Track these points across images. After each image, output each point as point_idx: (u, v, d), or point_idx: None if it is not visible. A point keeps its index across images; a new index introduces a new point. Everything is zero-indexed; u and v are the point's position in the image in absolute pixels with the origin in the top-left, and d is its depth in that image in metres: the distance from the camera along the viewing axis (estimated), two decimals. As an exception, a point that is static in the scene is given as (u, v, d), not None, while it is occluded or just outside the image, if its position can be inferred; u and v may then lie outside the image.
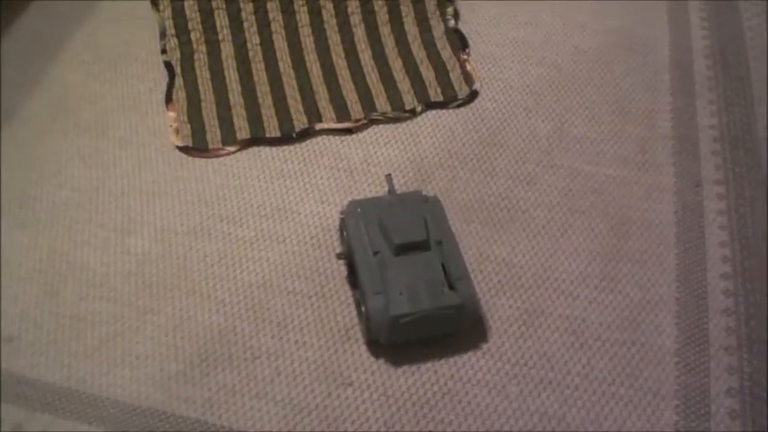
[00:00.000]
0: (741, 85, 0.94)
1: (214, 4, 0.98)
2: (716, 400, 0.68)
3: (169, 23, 0.98)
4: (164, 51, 0.98)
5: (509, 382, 0.70)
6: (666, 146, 0.88)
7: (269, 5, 0.99)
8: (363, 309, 0.70)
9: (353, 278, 0.74)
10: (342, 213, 0.76)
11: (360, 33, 1.00)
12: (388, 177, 0.80)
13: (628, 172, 0.86)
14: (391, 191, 0.79)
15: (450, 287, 0.69)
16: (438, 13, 1.02)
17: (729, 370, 0.69)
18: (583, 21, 1.03)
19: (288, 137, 0.90)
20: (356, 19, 1.01)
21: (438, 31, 1.01)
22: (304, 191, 0.85)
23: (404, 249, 0.71)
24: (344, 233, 0.76)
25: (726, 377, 0.69)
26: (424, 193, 0.79)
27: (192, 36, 0.98)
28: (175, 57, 0.97)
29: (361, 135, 0.91)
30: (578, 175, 0.86)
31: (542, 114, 0.92)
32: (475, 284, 0.75)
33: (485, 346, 0.72)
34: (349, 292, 0.76)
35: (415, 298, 0.68)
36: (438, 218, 0.75)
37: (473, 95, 0.94)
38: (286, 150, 0.89)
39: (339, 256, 0.77)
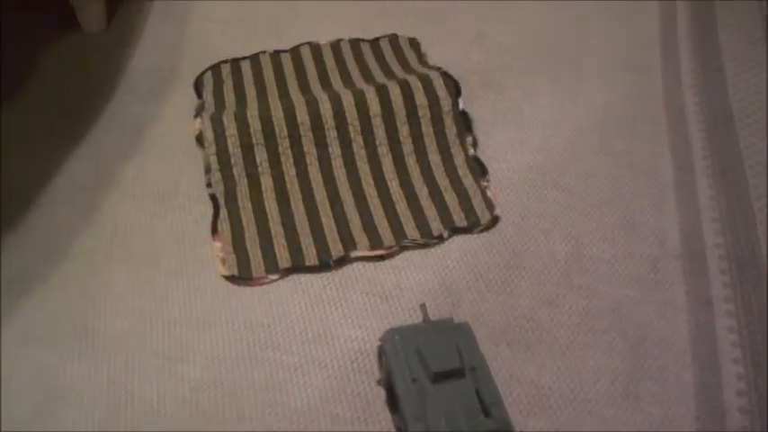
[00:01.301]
0: (742, 202, 1.02)
1: (254, 140, 1.07)
2: None
3: (213, 159, 1.07)
4: (209, 185, 1.06)
5: (543, 501, 0.75)
6: (677, 265, 0.95)
7: (303, 140, 1.09)
8: None
9: (393, 403, 0.80)
10: (380, 341, 0.83)
11: (387, 163, 1.09)
12: (423, 306, 0.86)
13: (642, 291, 0.93)
14: (425, 319, 0.85)
15: (486, 413, 0.74)
16: (458, 142, 1.11)
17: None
18: (591, 146, 1.12)
19: (326, 265, 0.97)
20: (383, 150, 1.10)
21: (459, 159, 1.09)
22: (342, 316, 0.92)
23: (441, 377, 0.77)
24: (383, 359, 0.82)
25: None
26: (455, 320, 0.85)
27: (235, 170, 1.06)
28: (219, 190, 1.06)
29: (393, 261, 0.98)
30: (596, 295, 0.92)
31: (559, 237, 0.99)
32: (506, 405, 0.81)
33: (518, 467, 0.77)
34: (389, 417, 0.81)
35: (453, 424, 0.73)
36: (470, 344, 0.81)
37: (495, 220, 1.02)
38: (324, 277, 0.96)
39: (379, 383, 0.83)
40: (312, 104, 1.09)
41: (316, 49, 1.30)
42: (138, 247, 1.01)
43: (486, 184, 1.06)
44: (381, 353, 0.82)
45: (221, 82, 1.25)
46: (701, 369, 0.84)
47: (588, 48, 1.29)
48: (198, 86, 1.25)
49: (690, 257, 0.96)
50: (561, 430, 0.80)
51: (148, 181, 1.10)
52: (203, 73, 1.27)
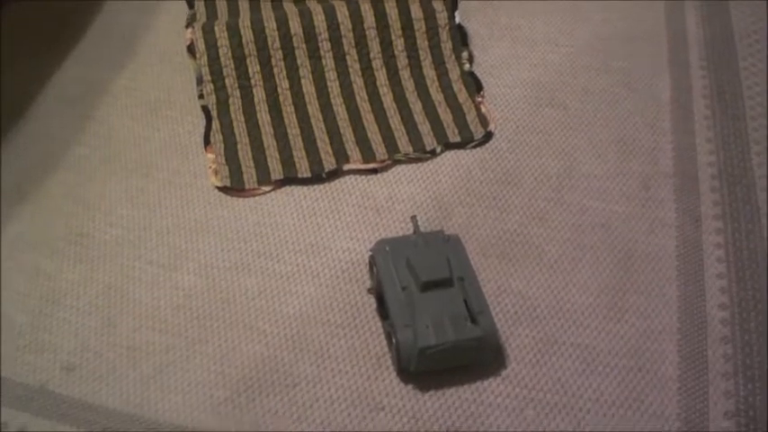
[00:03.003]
0: (737, 123, 1.02)
1: (246, 51, 1.06)
2: (714, 422, 0.75)
3: (205, 70, 1.05)
4: (201, 96, 1.06)
5: (526, 406, 0.77)
6: (668, 183, 0.96)
7: (297, 52, 1.07)
8: (394, 340, 0.77)
9: (383, 310, 0.82)
10: (371, 251, 0.84)
11: (382, 77, 1.08)
12: (414, 218, 0.87)
13: (632, 208, 0.93)
14: (416, 231, 0.86)
15: (473, 321, 0.76)
16: (453, 57, 1.09)
17: (726, 394, 0.77)
18: (588, 62, 1.11)
19: (318, 177, 0.97)
20: (378, 63, 1.08)
21: (454, 74, 1.08)
22: (335, 228, 0.93)
23: (429, 286, 0.78)
24: (374, 269, 0.83)
25: (723, 401, 0.76)
26: (447, 233, 0.86)
27: (227, 82, 1.05)
28: (212, 102, 1.05)
29: (385, 175, 0.98)
30: (586, 211, 0.93)
31: (552, 154, 1.00)
32: (494, 316, 0.83)
33: (504, 373, 0.79)
34: (379, 324, 0.83)
35: (440, 331, 0.75)
36: (459, 256, 0.82)
37: (488, 136, 1.01)
38: (316, 189, 0.97)
39: (370, 291, 0.84)
40: (305, 15, 1.07)
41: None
42: (132, 156, 1.01)
43: (480, 99, 1.06)
44: (372, 262, 0.84)
45: (214, -8, 1.22)
46: (685, 283, 0.86)
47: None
48: (190, -4, 1.22)
49: (682, 176, 0.96)
50: (545, 338, 0.82)
51: (141, 91, 1.09)
52: (195, -18, 1.24)
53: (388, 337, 0.80)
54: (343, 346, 0.82)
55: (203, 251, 0.91)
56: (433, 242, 0.83)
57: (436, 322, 0.76)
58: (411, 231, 0.88)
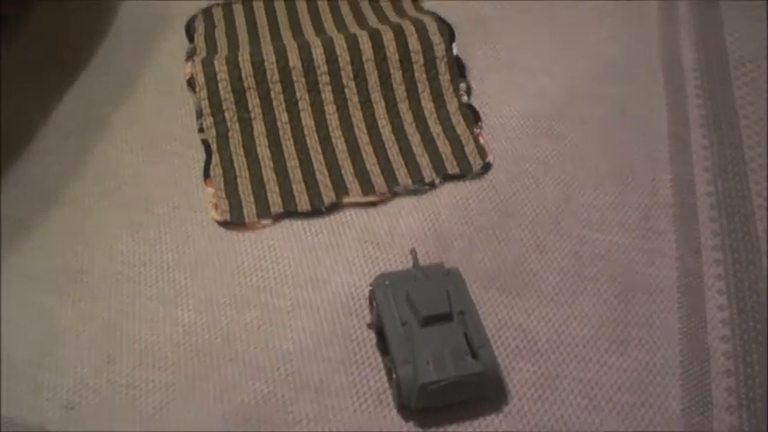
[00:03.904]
0: (734, 152, 1.02)
1: (246, 85, 1.06)
2: (718, 457, 0.74)
3: (205, 104, 1.06)
4: (201, 130, 1.06)
5: (528, 442, 0.77)
6: (667, 213, 0.96)
7: (296, 85, 1.08)
8: (394, 376, 0.77)
9: (384, 345, 0.81)
10: (371, 285, 0.84)
11: (380, 110, 1.08)
12: (413, 252, 0.87)
13: (632, 239, 0.93)
14: (416, 264, 0.86)
15: (474, 356, 0.76)
16: (451, 89, 1.10)
17: (731, 429, 0.76)
18: (584, 92, 1.11)
19: (317, 211, 0.97)
20: (376, 96, 1.09)
21: (452, 106, 1.09)
22: (334, 262, 0.93)
23: (429, 320, 0.78)
24: (374, 304, 0.83)
25: (727, 436, 0.76)
26: (446, 265, 0.86)
27: (227, 115, 1.06)
28: (211, 135, 1.05)
29: (385, 207, 0.98)
30: (586, 242, 0.93)
31: (551, 184, 1.00)
32: (495, 350, 0.82)
33: (506, 409, 0.79)
34: (380, 359, 0.83)
35: (441, 367, 0.75)
36: (459, 289, 0.82)
37: (487, 167, 1.02)
38: (316, 223, 0.97)
39: (370, 326, 0.84)
40: (304, 49, 1.08)
41: (309, -8, 1.28)
42: (131, 191, 1.01)
43: (478, 130, 1.06)
44: (372, 297, 0.83)
45: (213, 26, 1.23)
46: (686, 315, 0.86)
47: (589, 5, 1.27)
48: (189, 30, 1.23)
49: (681, 206, 0.96)
50: (547, 373, 0.81)
51: (140, 127, 1.09)
52: (195, 16, 1.25)
53: (389, 372, 0.80)
54: (344, 382, 0.82)
55: (203, 286, 0.91)
56: (432, 276, 0.83)
57: (437, 357, 0.75)
58: (411, 265, 0.88)
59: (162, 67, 1.18)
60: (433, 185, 1.00)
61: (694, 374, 0.81)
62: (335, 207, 0.98)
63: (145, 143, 1.07)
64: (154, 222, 0.98)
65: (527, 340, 0.85)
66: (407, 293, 0.80)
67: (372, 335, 0.85)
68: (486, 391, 0.78)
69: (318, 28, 1.20)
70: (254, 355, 0.84)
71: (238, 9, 1.26)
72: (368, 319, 0.86)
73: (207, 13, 1.26)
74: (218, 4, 1.27)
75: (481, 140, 1.05)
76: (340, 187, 1.00)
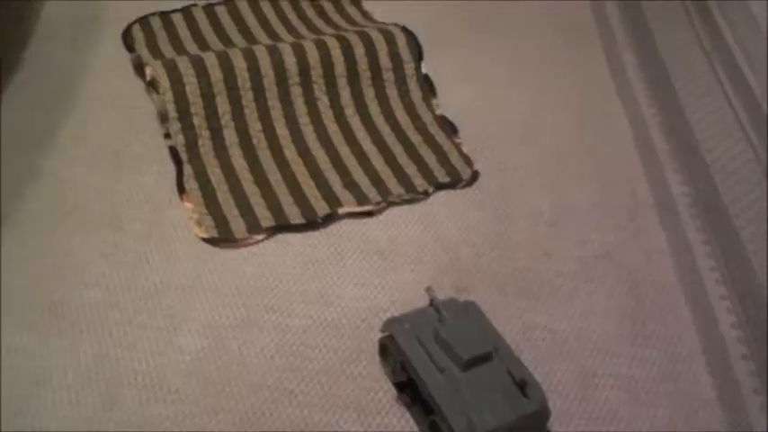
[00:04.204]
0: (695, 155, 1.08)
1: (215, 89, 0.99)
2: (761, 437, 0.77)
3: (171, 107, 0.97)
4: (167, 136, 0.97)
5: (585, 442, 0.75)
6: (651, 213, 0.99)
7: (267, 93, 1.02)
8: (444, 430, 0.69)
9: (413, 398, 0.74)
10: (384, 331, 0.76)
11: (356, 123, 1.05)
12: (429, 290, 0.78)
13: (625, 238, 0.95)
14: (435, 303, 0.77)
15: (523, 393, 0.71)
16: (425, 104, 1.08)
17: (762, 409, 0.79)
18: (546, 98, 1.14)
19: (313, 223, 0.91)
20: (350, 111, 1.05)
21: (428, 118, 1.07)
22: (341, 274, 0.87)
23: (471, 363, 0.72)
24: (390, 352, 0.75)
25: (762, 416, 0.78)
26: (462, 299, 0.80)
27: (195, 120, 0.97)
28: (180, 142, 0.96)
29: (380, 218, 0.94)
30: (587, 243, 0.94)
31: (539, 189, 1.00)
32: (527, 351, 0.81)
33: (554, 411, 0.76)
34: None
35: (496, 412, 0.69)
36: (484, 323, 0.77)
37: (475, 176, 1.00)
38: (313, 236, 0.91)
39: (397, 383, 0.76)
40: (275, 54, 1.02)
41: (253, 1, 1.22)
42: (96, 210, 0.90)
43: (459, 140, 1.05)
44: (388, 345, 0.75)
45: (153, 35, 1.14)
46: (695, 307, 0.88)
47: (527, 12, 1.31)
48: (126, 40, 1.13)
49: (661, 206, 1.00)
50: (584, 371, 0.81)
51: (92, 140, 0.98)
52: (131, 26, 1.16)
53: (431, 428, 0.71)
54: (383, 398, 0.76)
55: (202, 309, 0.82)
56: (455, 314, 0.76)
57: (491, 403, 0.69)
58: (419, 279, 0.84)
59: (101, 75, 1.07)
60: (426, 194, 0.97)
61: (717, 361, 0.83)
62: (331, 218, 0.93)
63: (101, 159, 0.96)
64: (129, 242, 0.87)
65: (555, 341, 0.83)
66: (437, 336, 0.73)
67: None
68: (543, 429, 0.74)
69: (273, 36, 1.14)
70: (278, 378, 0.77)
71: (178, 18, 1.18)
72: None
73: (143, 22, 1.16)
74: (154, 14, 1.18)
75: (464, 149, 1.03)
76: (331, 198, 0.95)
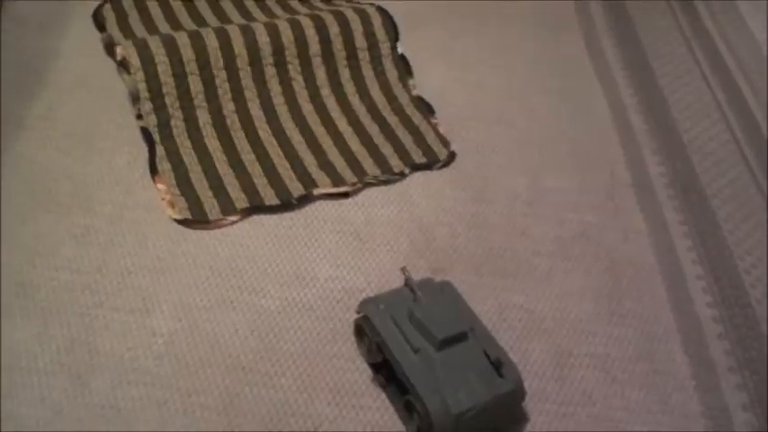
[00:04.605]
0: (673, 135, 1.08)
1: (188, 69, 0.97)
2: (735, 414, 0.77)
3: (142, 86, 0.95)
4: (139, 117, 0.95)
5: (559, 422, 0.75)
6: (629, 192, 0.99)
7: (241, 73, 1.00)
8: (419, 412, 0.68)
9: (388, 378, 0.73)
10: (359, 312, 0.75)
11: (331, 103, 1.03)
12: (404, 270, 0.78)
13: (603, 218, 0.95)
14: (409, 283, 0.76)
15: (498, 373, 0.70)
16: (401, 84, 1.07)
17: (739, 388, 0.79)
18: (524, 82, 1.13)
19: (288, 203, 0.90)
20: (326, 91, 1.04)
21: (404, 99, 1.06)
22: (316, 255, 0.86)
23: (446, 343, 0.71)
24: (365, 333, 0.74)
25: (737, 395, 0.78)
26: (436, 279, 0.80)
27: (167, 100, 0.96)
28: (152, 123, 0.95)
29: (357, 198, 0.93)
30: (564, 223, 0.94)
31: (515, 170, 1.00)
32: (503, 331, 0.80)
33: (529, 391, 0.76)
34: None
35: (472, 392, 0.68)
36: (459, 304, 0.77)
37: (452, 156, 1.00)
38: (288, 218, 0.90)
39: (372, 364, 0.75)
40: (248, 34, 1.01)
41: (226, -19, 1.20)
42: (66, 191, 0.88)
43: (435, 121, 1.04)
44: (363, 326, 0.74)
45: (125, 15, 1.12)
46: (671, 286, 0.89)
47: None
48: (98, 19, 1.11)
49: (639, 186, 1.00)
50: (559, 350, 0.80)
51: (61, 121, 0.96)
52: (101, 5, 1.13)
53: (406, 408, 0.71)
54: (358, 379, 0.76)
55: (175, 291, 0.81)
56: (431, 294, 0.75)
57: (465, 383, 0.69)
58: (397, 262, 0.83)
59: (71, 57, 1.05)
60: (402, 175, 0.96)
61: (693, 340, 0.83)
62: (306, 199, 0.91)
63: (72, 141, 0.94)
64: (101, 224, 0.86)
65: (532, 320, 0.83)
66: (412, 316, 0.72)
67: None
68: (518, 409, 0.74)
69: (246, 15, 1.13)
70: (253, 360, 0.76)
71: (150, -3, 1.16)
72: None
73: (114, 1, 1.14)
74: (125, -7, 1.16)
75: (441, 130, 1.03)
76: (306, 179, 0.93)
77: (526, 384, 0.73)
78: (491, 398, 0.69)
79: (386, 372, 0.74)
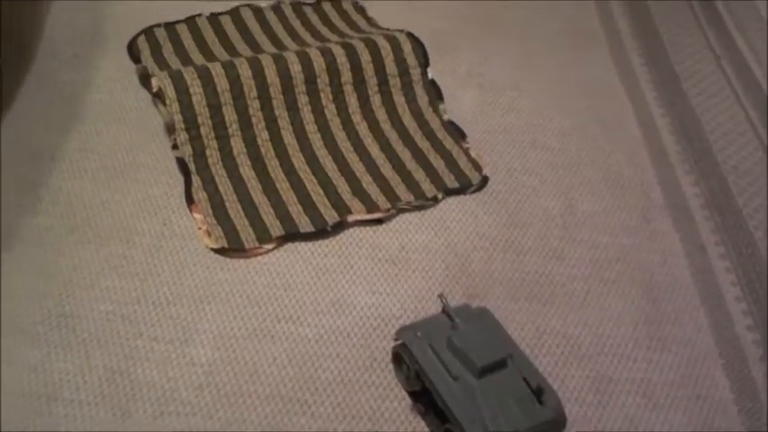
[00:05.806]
0: (706, 155, 1.07)
1: (222, 99, 0.98)
2: (781, 441, 0.75)
3: (178, 118, 0.96)
4: (175, 147, 0.96)
5: (602, 448, 0.74)
6: (665, 215, 0.98)
7: (274, 102, 1.01)
8: None
9: (428, 406, 0.73)
10: (396, 339, 0.75)
11: (363, 130, 1.04)
12: (441, 297, 0.78)
13: (640, 240, 0.95)
14: (447, 309, 0.76)
15: (538, 401, 0.70)
16: (431, 109, 1.08)
17: (782, 412, 0.78)
18: (554, 103, 1.13)
19: (323, 231, 0.91)
20: (357, 118, 1.05)
21: (435, 124, 1.06)
22: (352, 283, 0.87)
23: (486, 370, 0.71)
24: (404, 360, 0.74)
25: (782, 418, 0.77)
26: (474, 305, 0.79)
27: (202, 131, 0.97)
28: (188, 153, 0.96)
29: (390, 224, 0.94)
30: (599, 246, 0.93)
31: (549, 193, 1.00)
32: (541, 357, 0.80)
33: (570, 417, 0.75)
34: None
35: (511, 420, 0.68)
36: (498, 330, 0.76)
37: (485, 180, 1.00)
38: (323, 245, 0.90)
39: (411, 392, 0.75)
40: (281, 63, 1.02)
41: (257, 11, 1.22)
42: (104, 223, 0.89)
43: (467, 145, 1.04)
44: (401, 354, 0.74)
45: (159, 46, 1.14)
46: (710, 310, 0.87)
47: (532, 15, 1.30)
48: (132, 51, 1.13)
49: (674, 207, 0.99)
50: (599, 376, 0.80)
51: (97, 154, 0.98)
52: (136, 37, 1.15)
53: None
54: (397, 407, 0.76)
55: (213, 320, 0.81)
56: (468, 320, 0.75)
57: (504, 411, 0.68)
58: (431, 286, 0.83)
59: (105, 89, 1.07)
60: (436, 200, 0.97)
61: (734, 364, 0.82)
62: (340, 226, 0.92)
63: (108, 172, 0.95)
64: (139, 254, 0.87)
65: (570, 346, 0.83)
66: (450, 343, 0.72)
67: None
68: None
69: (278, 45, 1.14)
70: (292, 389, 0.76)
71: (183, 29, 1.18)
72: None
73: (148, 33, 1.16)
74: (158, 25, 1.18)
75: (473, 154, 1.03)
76: (340, 206, 0.94)
77: (566, 411, 0.73)
78: (532, 426, 0.68)
79: (425, 400, 0.74)
